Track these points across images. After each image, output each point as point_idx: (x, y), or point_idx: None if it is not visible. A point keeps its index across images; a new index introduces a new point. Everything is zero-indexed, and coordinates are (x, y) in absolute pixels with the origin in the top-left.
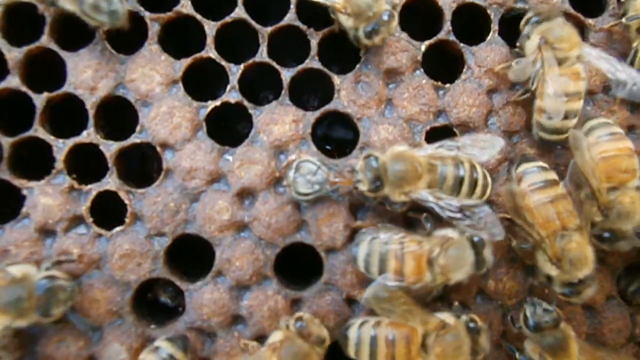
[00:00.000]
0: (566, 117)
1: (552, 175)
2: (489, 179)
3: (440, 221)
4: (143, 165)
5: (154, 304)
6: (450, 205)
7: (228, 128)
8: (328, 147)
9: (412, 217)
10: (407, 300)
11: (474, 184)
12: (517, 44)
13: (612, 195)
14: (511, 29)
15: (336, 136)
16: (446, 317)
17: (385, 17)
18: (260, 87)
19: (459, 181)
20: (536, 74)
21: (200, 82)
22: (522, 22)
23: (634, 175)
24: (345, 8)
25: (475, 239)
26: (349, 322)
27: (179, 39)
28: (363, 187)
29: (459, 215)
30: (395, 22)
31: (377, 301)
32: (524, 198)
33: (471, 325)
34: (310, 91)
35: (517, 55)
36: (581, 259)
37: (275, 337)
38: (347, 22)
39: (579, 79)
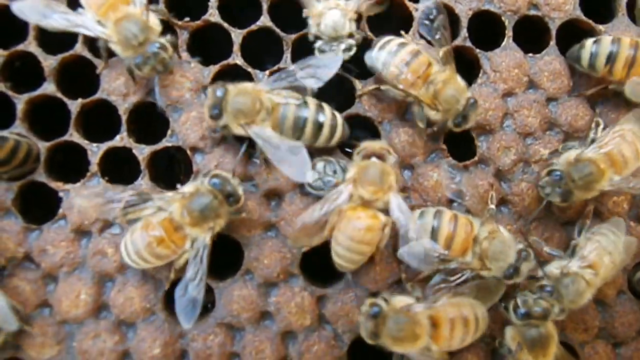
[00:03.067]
0: None
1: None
2: (339, 121)
3: None
4: (170, 167)
5: None
6: (270, 143)
7: None
8: (348, 150)
9: None
10: None
11: (318, 125)
12: None
13: None
14: (524, 34)
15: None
16: (500, 228)
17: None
18: None
19: (302, 122)
20: None
21: None
22: None
23: None
24: None
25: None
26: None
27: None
28: (205, 110)
29: (275, 152)
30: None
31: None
32: None
33: (523, 253)
34: (331, 93)
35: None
36: None
37: None
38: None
39: None
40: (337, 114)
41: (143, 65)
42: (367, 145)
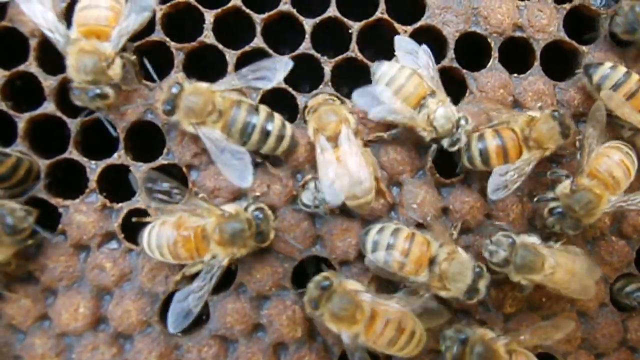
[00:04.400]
0: None
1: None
2: (287, 132)
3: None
4: None
5: None
6: (217, 146)
7: None
8: None
9: None
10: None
11: (265, 133)
12: None
13: None
14: (509, 55)
15: None
16: (459, 250)
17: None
18: (275, 109)
19: (251, 128)
20: None
21: None
22: None
23: None
24: None
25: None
26: (368, 227)
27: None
28: (158, 105)
29: (220, 155)
30: None
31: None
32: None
33: (477, 269)
34: None
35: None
36: None
37: None
38: None
39: None
40: (287, 125)
41: (75, 97)
42: (312, 102)
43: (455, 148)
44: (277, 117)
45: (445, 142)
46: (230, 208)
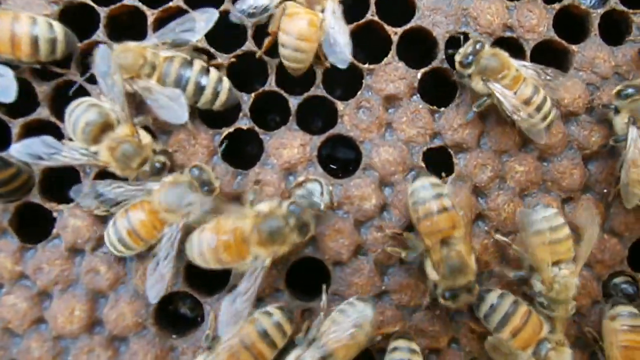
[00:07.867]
0: None
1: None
2: (225, 86)
3: None
4: None
5: (174, 314)
6: (151, 92)
7: (238, 149)
8: (333, 167)
9: None
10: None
11: (199, 87)
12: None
13: None
14: None
15: (340, 156)
16: (566, 341)
17: None
18: (268, 110)
19: (185, 81)
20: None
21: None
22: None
23: None
24: None
25: None
26: (487, 288)
27: None
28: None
29: (155, 100)
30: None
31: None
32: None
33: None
34: (315, 113)
35: None
36: None
37: None
38: None
39: None
40: (225, 80)
41: None
42: None
43: (549, 313)
44: (214, 71)
45: (543, 299)
46: (264, 207)
